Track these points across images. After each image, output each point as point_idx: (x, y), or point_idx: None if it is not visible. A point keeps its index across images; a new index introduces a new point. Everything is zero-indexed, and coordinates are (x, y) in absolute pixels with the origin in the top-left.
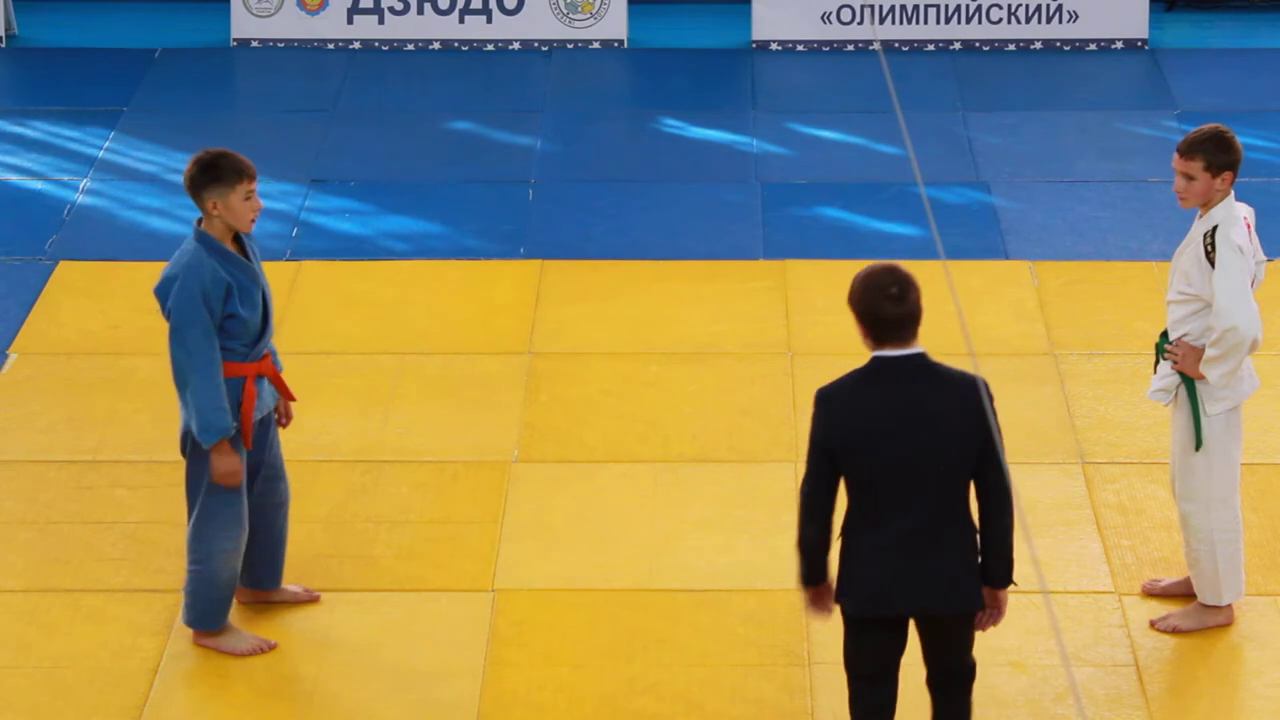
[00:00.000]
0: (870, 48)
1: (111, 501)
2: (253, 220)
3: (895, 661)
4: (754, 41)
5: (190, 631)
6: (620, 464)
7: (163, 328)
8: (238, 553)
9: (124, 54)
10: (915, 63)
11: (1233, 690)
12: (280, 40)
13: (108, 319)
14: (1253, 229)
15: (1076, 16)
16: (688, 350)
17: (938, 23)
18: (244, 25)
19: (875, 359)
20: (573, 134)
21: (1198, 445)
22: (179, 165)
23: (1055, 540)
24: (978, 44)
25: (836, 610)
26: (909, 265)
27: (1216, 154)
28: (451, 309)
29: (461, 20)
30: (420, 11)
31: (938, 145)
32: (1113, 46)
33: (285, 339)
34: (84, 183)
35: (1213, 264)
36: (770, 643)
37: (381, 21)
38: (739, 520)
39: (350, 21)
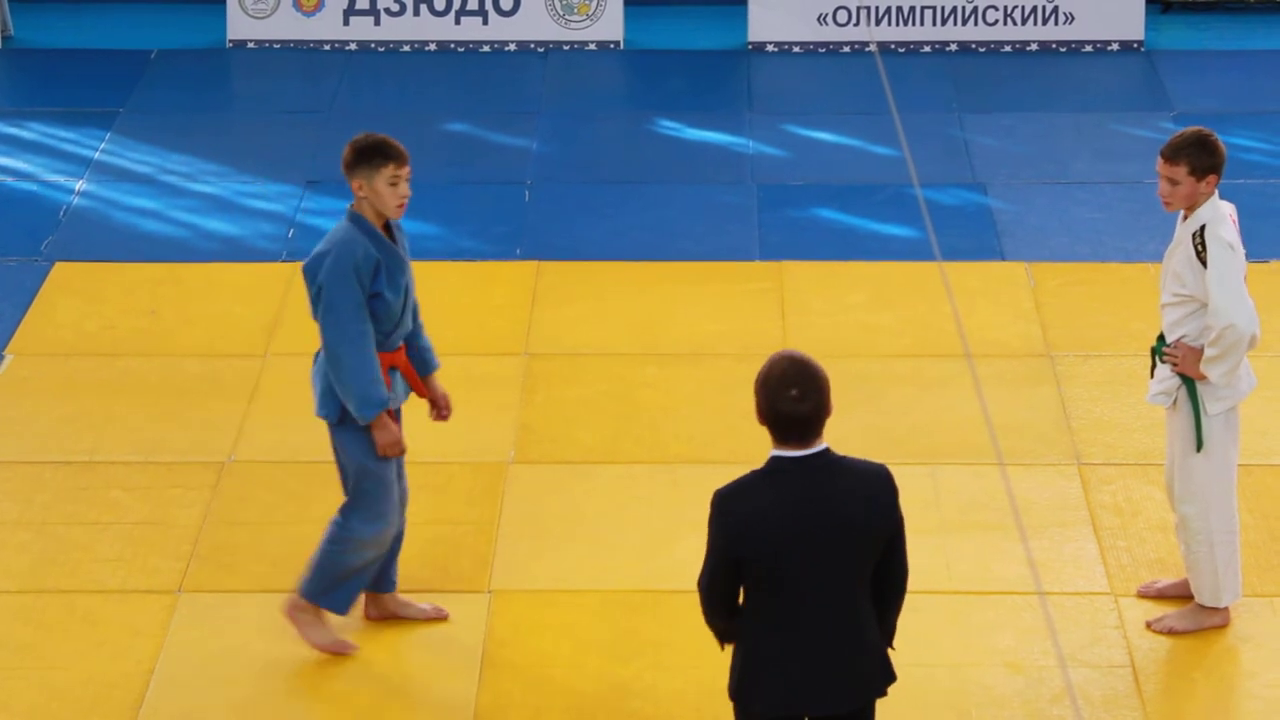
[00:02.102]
0: (866, 49)
1: (108, 502)
2: (399, 207)
3: None
4: (750, 43)
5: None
6: (616, 465)
7: (158, 330)
8: (374, 545)
9: (120, 55)
10: (911, 64)
11: (1228, 691)
12: (276, 41)
13: (103, 320)
14: (1236, 226)
15: (1072, 18)
16: (684, 351)
17: (934, 24)
18: (240, 26)
19: (774, 459)
20: (569, 135)
21: (1199, 446)
22: (174, 166)
23: (1051, 541)
24: (974, 45)
25: None
26: (904, 268)
27: (1200, 157)
28: (447, 310)
29: (457, 21)
30: (416, 13)
31: (934, 147)
32: (1109, 48)
33: (282, 341)
34: (80, 184)
35: (1204, 263)
36: None
37: (377, 23)
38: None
39: (346, 23)
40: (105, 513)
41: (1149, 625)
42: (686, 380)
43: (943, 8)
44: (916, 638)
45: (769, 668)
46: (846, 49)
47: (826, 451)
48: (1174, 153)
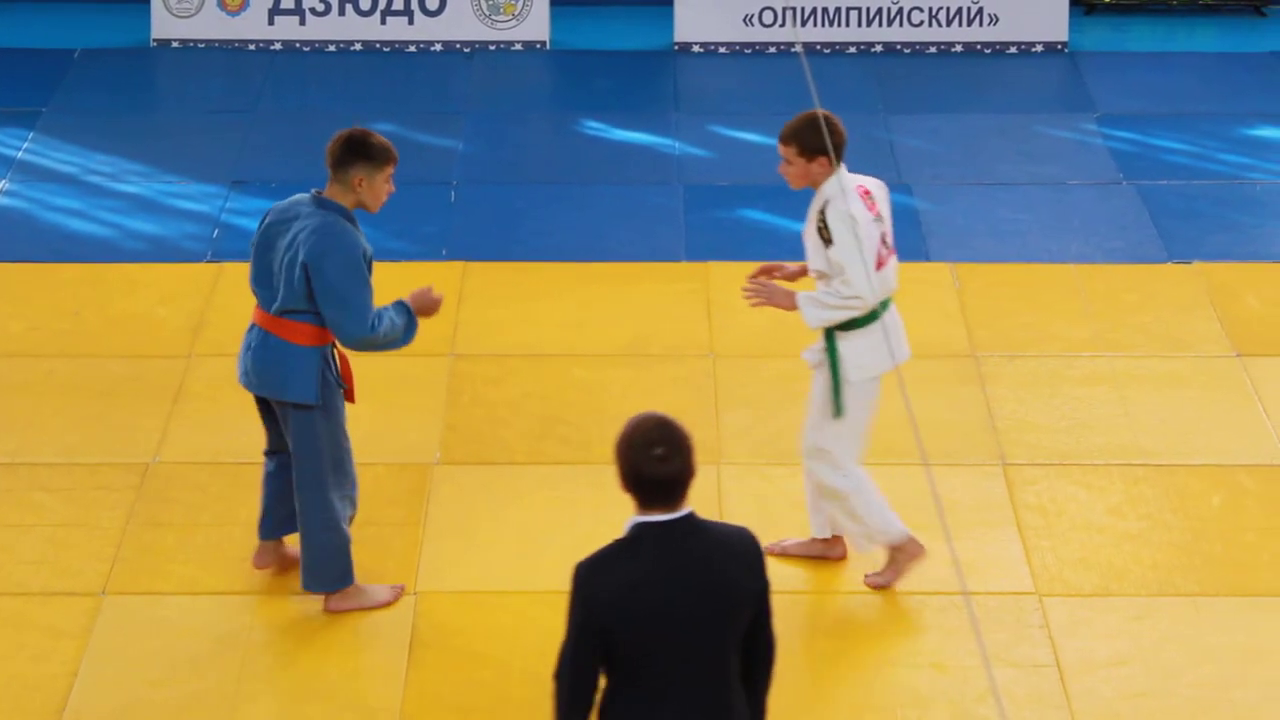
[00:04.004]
0: (792, 50)
1: (30, 505)
2: (382, 204)
3: None
4: (676, 43)
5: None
6: (543, 466)
7: (82, 331)
8: (351, 507)
9: (43, 54)
10: (837, 65)
11: (1154, 690)
12: (201, 41)
13: (26, 321)
14: (874, 196)
15: (997, 19)
16: (611, 352)
17: (859, 25)
18: (164, 26)
19: (638, 525)
20: (495, 136)
21: (837, 411)
22: (98, 166)
23: (975, 541)
24: (899, 46)
25: None
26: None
27: (809, 138)
28: None
29: (383, 21)
30: (341, 13)
31: (859, 147)
32: (1033, 49)
33: (206, 341)
34: (2, 184)
35: (827, 240)
36: None
37: (303, 22)
38: None
39: (271, 22)
40: (27, 515)
41: (867, 581)
42: (613, 381)
43: (868, 9)
44: (842, 638)
45: None
46: (772, 49)
47: (692, 516)
48: (786, 135)
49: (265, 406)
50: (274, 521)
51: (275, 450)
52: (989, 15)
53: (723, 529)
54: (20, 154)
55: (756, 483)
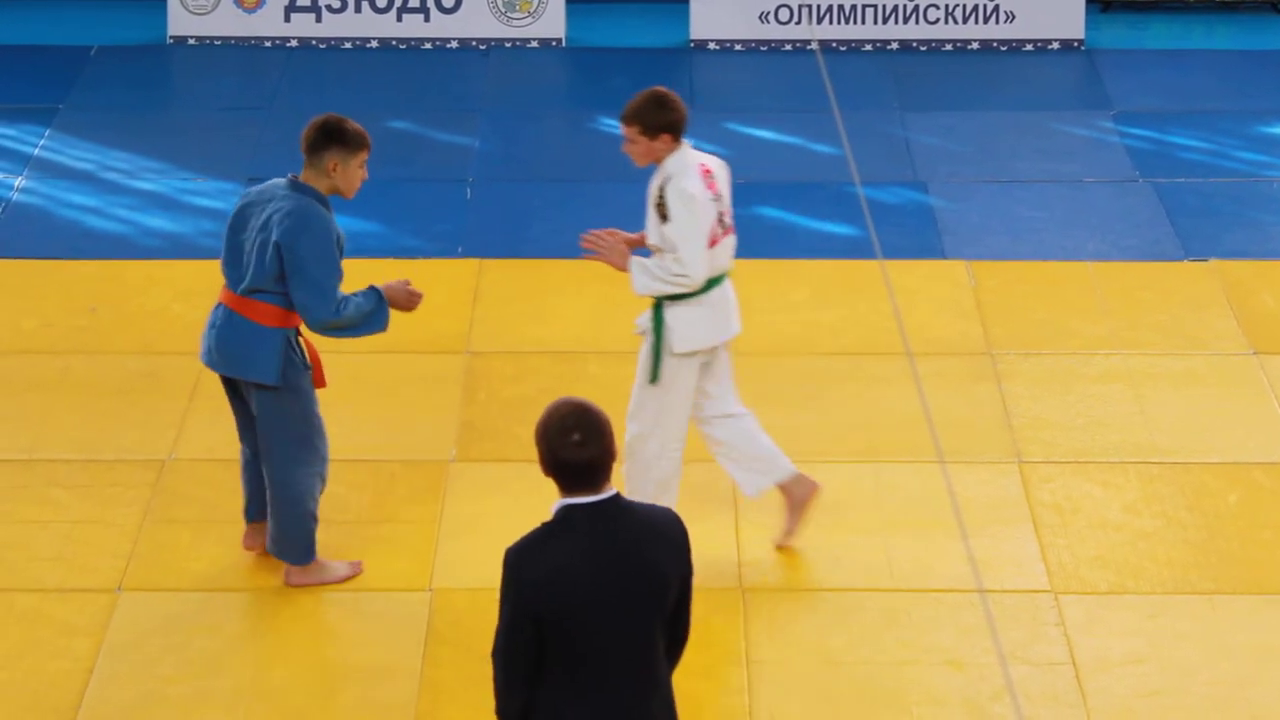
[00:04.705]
0: (808, 47)
1: (46, 501)
2: (356, 190)
3: None
4: (692, 41)
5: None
6: None
7: (98, 328)
8: (320, 481)
9: (59, 51)
10: (852, 62)
11: (1170, 688)
12: (217, 38)
13: (42, 317)
14: (715, 175)
15: (1013, 17)
16: (625, 349)
17: (875, 23)
18: (181, 23)
19: (565, 508)
20: (510, 133)
21: (653, 378)
22: (115, 163)
23: (991, 539)
24: (915, 44)
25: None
26: (845, 266)
27: (650, 116)
28: None
29: (399, 19)
30: (358, 10)
31: (875, 145)
32: (1049, 47)
33: None
34: (19, 181)
35: (664, 216)
36: (707, 641)
37: (319, 20)
38: None
39: (288, 19)
40: (44, 511)
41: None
42: (628, 378)
43: (884, 6)
44: (857, 636)
45: None
46: (788, 47)
47: (618, 497)
48: (628, 115)
49: (232, 390)
50: (256, 508)
51: (246, 437)
52: (1005, 13)
53: (651, 511)
54: (37, 150)
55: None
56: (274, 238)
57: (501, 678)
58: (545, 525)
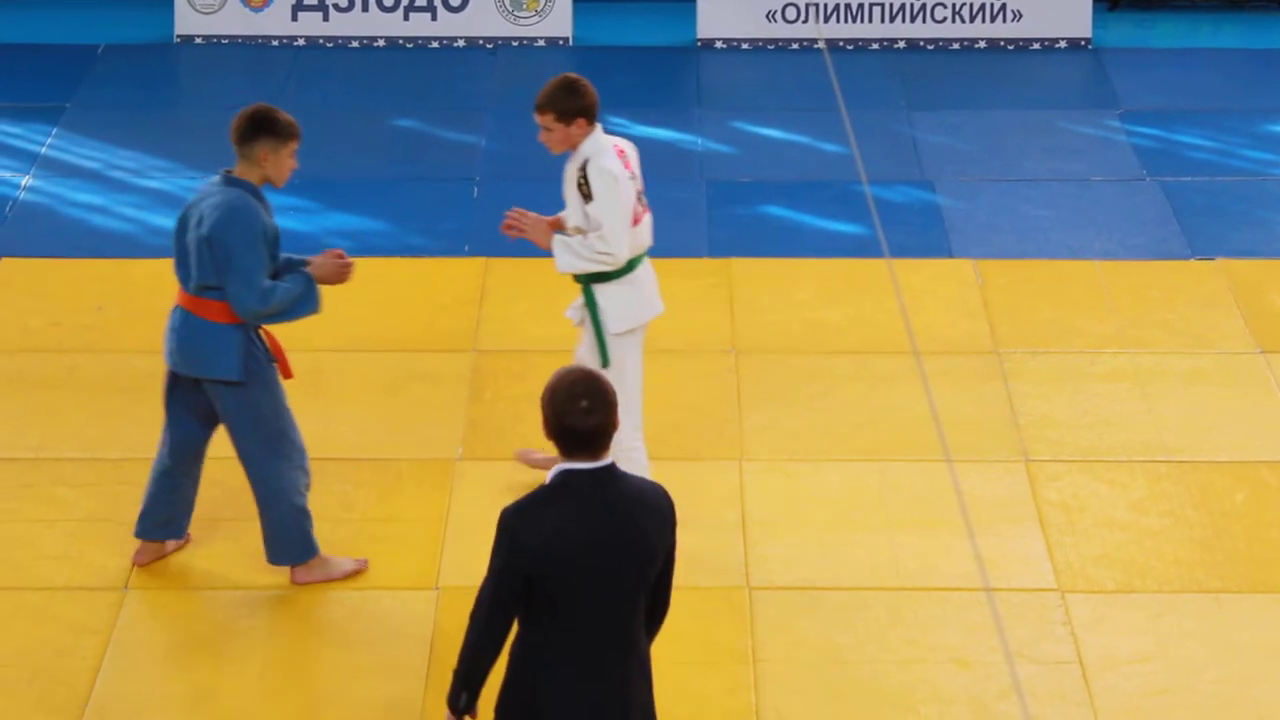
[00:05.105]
0: (815, 46)
1: (53, 500)
2: (286, 179)
3: None
4: (699, 39)
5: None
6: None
7: (105, 326)
8: (303, 474)
9: (66, 50)
10: (860, 61)
11: (1176, 686)
12: (224, 37)
13: (49, 316)
14: (628, 155)
15: (1020, 16)
16: None
17: (882, 22)
18: (188, 22)
19: (563, 472)
20: (517, 132)
21: (604, 362)
22: (122, 162)
23: (998, 538)
24: (922, 43)
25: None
26: (852, 265)
27: (563, 102)
28: (395, 306)
29: (406, 17)
30: (365, 8)
31: (882, 144)
32: (1056, 46)
33: None
34: (26, 179)
35: (587, 195)
36: (714, 639)
37: (326, 18)
38: (682, 517)
39: (295, 18)
40: (51, 510)
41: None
42: None
43: (891, 5)
44: (864, 634)
45: (558, 702)
46: (795, 46)
47: (613, 466)
48: (541, 103)
49: (179, 393)
50: (150, 522)
51: (175, 444)
52: (1012, 11)
53: (641, 483)
54: (44, 149)
55: (779, 479)
56: (204, 232)
57: (477, 636)
58: (543, 488)
